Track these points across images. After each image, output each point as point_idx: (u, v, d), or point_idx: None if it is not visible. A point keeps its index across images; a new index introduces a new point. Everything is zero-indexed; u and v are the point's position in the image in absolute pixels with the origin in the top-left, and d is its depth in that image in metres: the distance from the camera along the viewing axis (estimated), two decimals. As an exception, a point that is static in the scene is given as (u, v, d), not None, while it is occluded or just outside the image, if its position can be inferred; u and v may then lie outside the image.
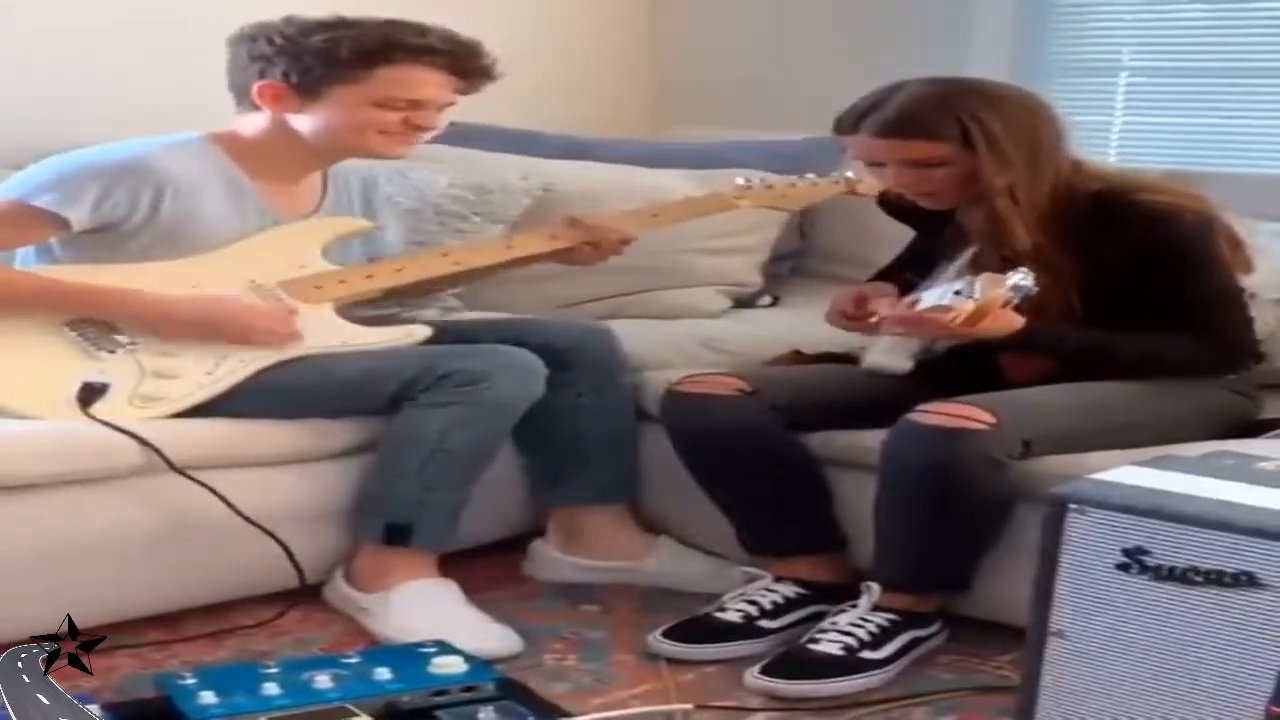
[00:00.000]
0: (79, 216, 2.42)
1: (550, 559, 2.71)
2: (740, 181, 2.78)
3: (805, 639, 2.28)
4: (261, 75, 2.50)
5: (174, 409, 2.39)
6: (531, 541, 2.74)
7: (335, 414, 2.49)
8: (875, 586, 2.30)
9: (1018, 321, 2.28)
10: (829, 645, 2.24)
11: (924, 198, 2.46)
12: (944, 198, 2.43)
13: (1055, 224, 2.36)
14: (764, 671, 2.22)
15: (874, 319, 2.43)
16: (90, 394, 2.34)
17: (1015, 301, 2.23)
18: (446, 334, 2.58)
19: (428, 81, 2.52)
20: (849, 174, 2.70)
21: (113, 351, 2.42)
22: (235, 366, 2.44)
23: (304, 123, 2.52)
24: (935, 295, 2.32)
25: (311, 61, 2.47)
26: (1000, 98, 2.38)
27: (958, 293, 2.25)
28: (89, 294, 2.43)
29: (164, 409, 2.39)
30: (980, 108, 2.34)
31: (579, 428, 2.64)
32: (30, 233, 2.46)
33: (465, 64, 2.54)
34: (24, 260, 2.53)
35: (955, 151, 2.34)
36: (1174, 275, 2.35)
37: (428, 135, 2.60)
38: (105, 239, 2.46)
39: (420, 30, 2.51)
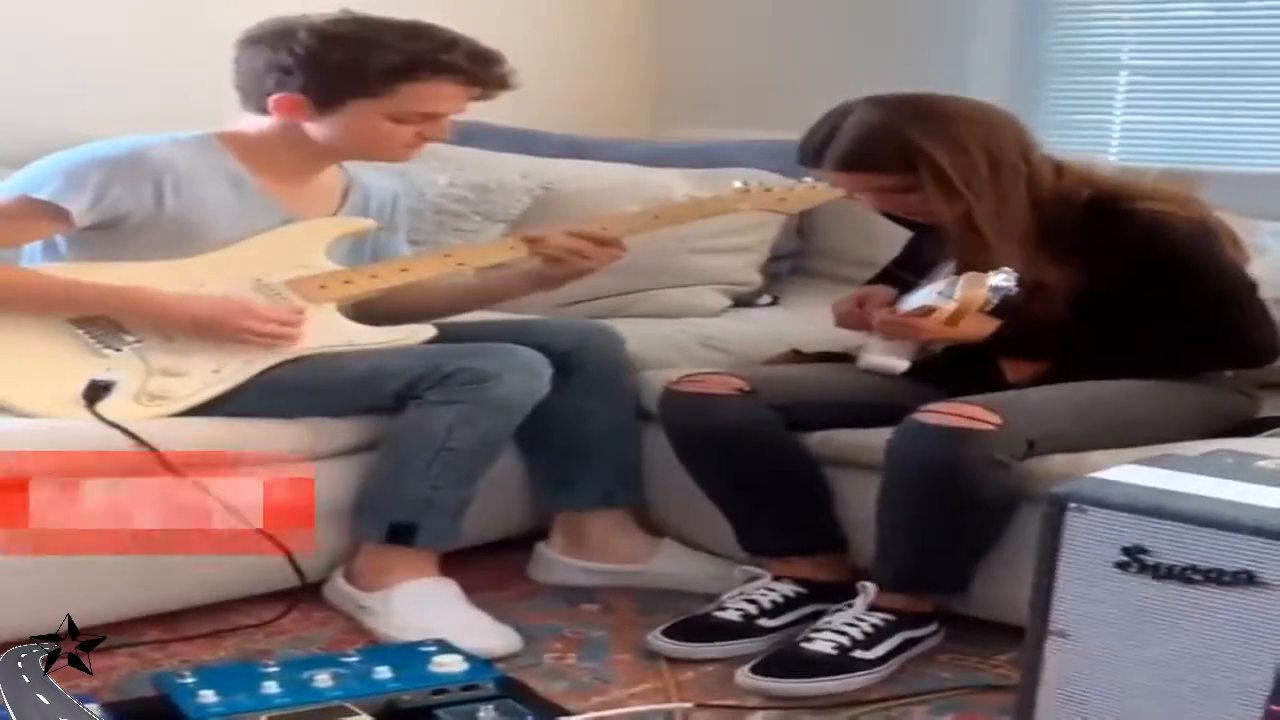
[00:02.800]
0: (80, 209, 2.41)
1: (553, 562, 2.71)
2: (739, 184, 2.78)
3: (800, 638, 2.28)
4: (279, 86, 2.48)
5: (180, 407, 2.39)
6: (535, 543, 2.73)
7: (340, 413, 2.49)
8: (871, 586, 2.30)
9: (990, 325, 2.29)
10: (822, 644, 2.24)
11: (911, 215, 2.48)
12: (929, 214, 2.42)
13: (1047, 233, 2.36)
14: (755, 670, 2.22)
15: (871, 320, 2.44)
16: (97, 392, 2.34)
17: (995, 302, 2.25)
18: (450, 334, 2.58)
19: (445, 95, 2.50)
20: None
21: (119, 349, 2.42)
22: (242, 365, 2.44)
23: (315, 131, 2.52)
24: (921, 296, 2.34)
25: (335, 76, 2.46)
26: (948, 117, 2.36)
27: (940, 293, 2.27)
28: (92, 291, 2.43)
29: (170, 407, 2.38)
30: (924, 134, 2.32)
31: (583, 431, 2.63)
32: (34, 227, 2.46)
33: (486, 77, 2.52)
34: (30, 261, 2.53)
35: (912, 179, 2.35)
36: (1176, 283, 2.35)
37: (435, 142, 2.59)
38: (109, 236, 2.46)
39: (447, 44, 2.48)
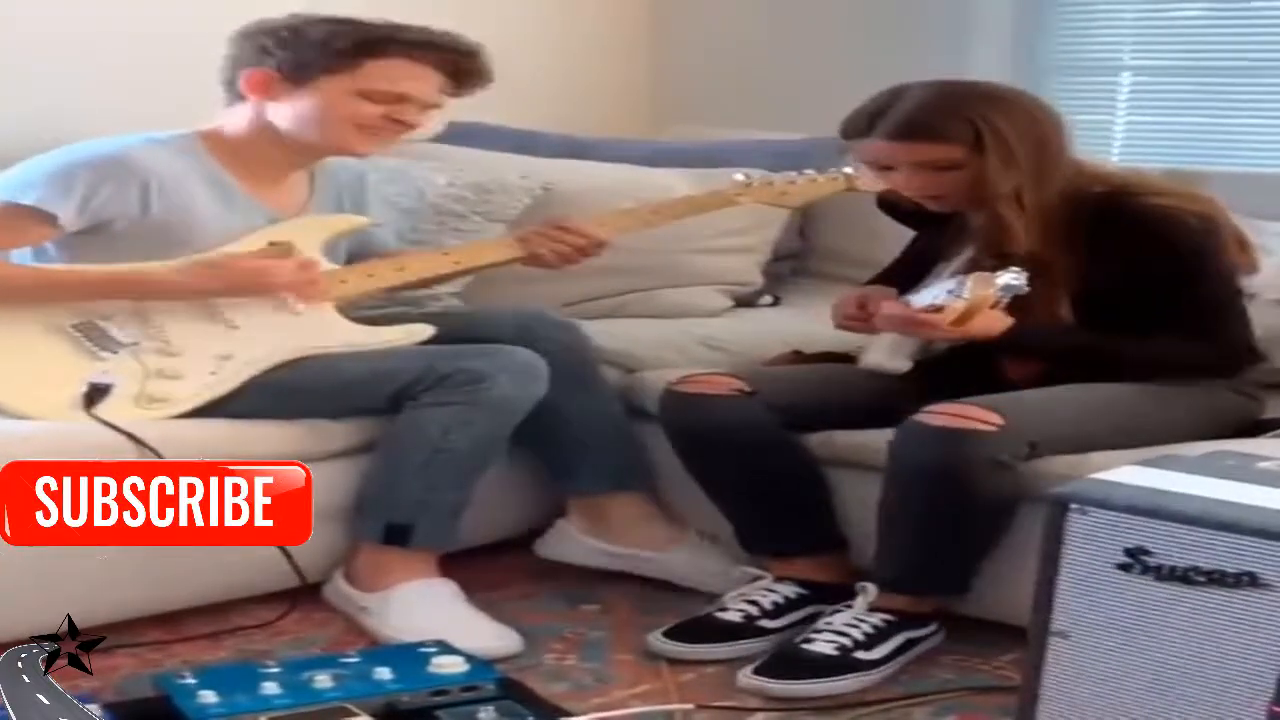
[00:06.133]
0: (68, 213, 2.41)
1: (573, 539, 2.67)
2: (740, 178, 2.77)
3: (800, 638, 2.28)
4: (254, 63, 2.50)
5: (179, 410, 2.39)
6: (554, 522, 2.69)
7: (337, 414, 2.49)
8: (871, 587, 2.30)
9: (1004, 322, 2.28)
10: (823, 645, 2.23)
11: (932, 201, 2.45)
12: (952, 200, 2.43)
13: (1062, 228, 2.36)
14: (757, 671, 2.22)
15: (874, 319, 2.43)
16: (95, 395, 2.34)
17: (1005, 301, 2.24)
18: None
19: (415, 76, 2.51)
20: (848, 170, 2.70)
21: (116, 352, 2.42)
22: (239, 367, 2.44)
23: (284, 115, 2.51)
24: (930, 295, 2.33)
25: (307, 51, 2.47)
26: (1006, 100, 2.38)
27: (950, 292, 2.26)
28: (75, 276, 2.43)
29: (169, 410, 2.38)
30: (990, 110, 2.34)
31: (567, 422, 2.59)
32: (22, 233, 2.44)
33: (458, 64, 2.53)
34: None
35: (967, 154, 2.34)
36: (1172, 279, 2.34)
37: (408, 134, 2.59)
38: (98, 241, 2.45)
39: (419, 30, 2.51)
